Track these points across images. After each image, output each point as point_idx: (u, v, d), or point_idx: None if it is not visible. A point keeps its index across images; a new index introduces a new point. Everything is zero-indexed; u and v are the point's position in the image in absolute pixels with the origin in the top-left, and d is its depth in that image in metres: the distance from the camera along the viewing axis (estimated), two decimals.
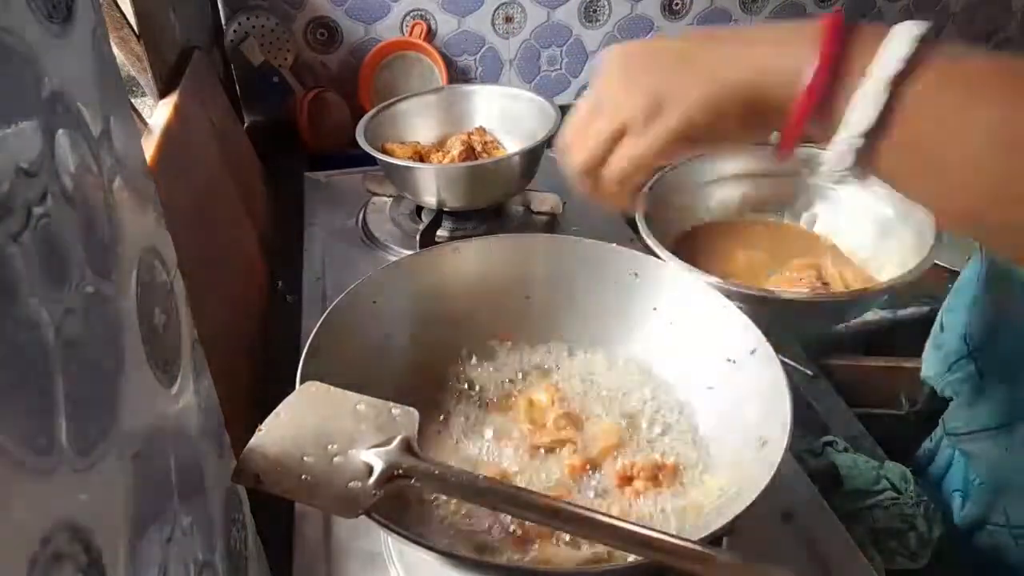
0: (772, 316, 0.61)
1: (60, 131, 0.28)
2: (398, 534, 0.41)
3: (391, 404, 0.47)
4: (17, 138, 0.24)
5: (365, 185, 1.01)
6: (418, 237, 0.89)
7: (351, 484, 0.41)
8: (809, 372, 0.90)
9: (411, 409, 0.46)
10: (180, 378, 0.38)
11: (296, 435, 0.43)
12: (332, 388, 0.48)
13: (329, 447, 0.43)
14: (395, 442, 0.43)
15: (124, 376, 0.30)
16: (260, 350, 0.83)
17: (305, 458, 0.42)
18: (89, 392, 0.27)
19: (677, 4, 1.34)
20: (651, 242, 0.70)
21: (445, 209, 0.92)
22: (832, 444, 0.75)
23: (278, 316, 0.90)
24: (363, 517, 0.40)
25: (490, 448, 0.56)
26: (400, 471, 0.42)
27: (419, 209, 0.99)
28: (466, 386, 0.62)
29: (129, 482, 0.29)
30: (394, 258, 0.89)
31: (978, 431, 0.66)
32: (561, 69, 1.36)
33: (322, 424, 0.45)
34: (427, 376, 0.63)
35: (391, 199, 1.02)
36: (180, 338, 0.39)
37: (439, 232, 0.92)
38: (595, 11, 1.31)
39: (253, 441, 0.43)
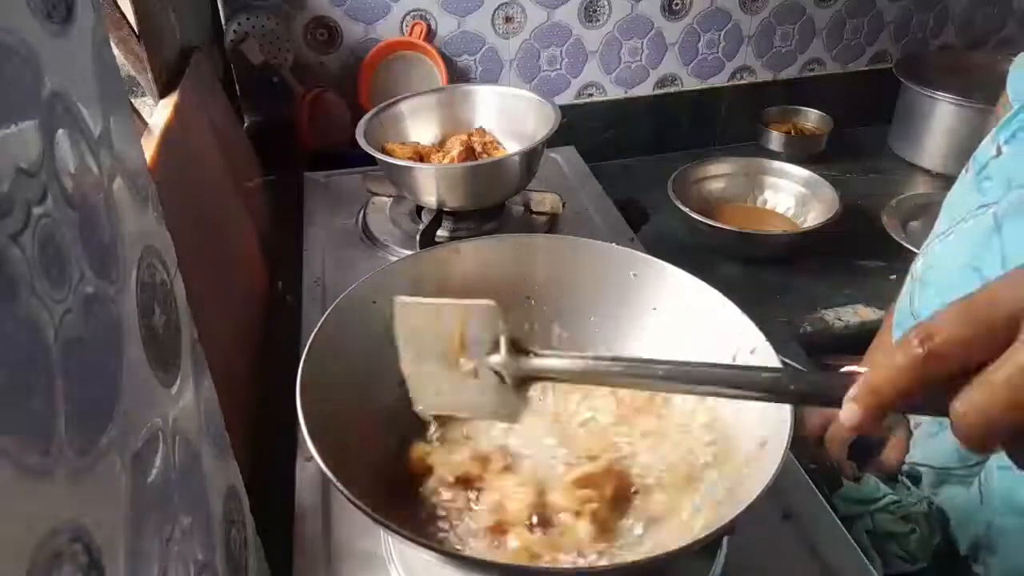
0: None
1: (60, 131, 0.28)
2: (398, 534, 0.41)
3: (469, 304, 0.47)
4: (17, 138, 0.24)
5: (365, 185, 1.00)
6: (418, 237, 0.89)
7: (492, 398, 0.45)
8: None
9: (488, 303, 0.46)
10: (180, 378, 0.38)
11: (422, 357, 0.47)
12: (416, 301, 0.49)
13: (449, 362, 0.46)
14: (503, 346, 0.45)
15: (124, 376, 0.30)
16: (260, 350, 0.83)
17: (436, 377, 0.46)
18: (89, 392, 0.27)
19: (677, 4, 1.34)
20: (685, 209, 1.13)
21: (445, 209, 0.92)
22: None
23: (278, 316, 0.90)
24: (363, 517, 0.40)
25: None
26: (529, 374, 0.45)
27: (419, 209, 0.99)
28: None
29: (129, 482, 0.29)
30: (394, 258, 0.89)
31: None
32: (561, 69, 1.35)
33: (431, 341, 0.47)
34: None
35: (391, 199, 1.01)
36: (180, 338, 0.39)
37: (439, 232, 0.92)
38: (595, 11, 1.31)
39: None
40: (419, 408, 0.49)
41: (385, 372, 0.60)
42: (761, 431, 0.50)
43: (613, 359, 0.45)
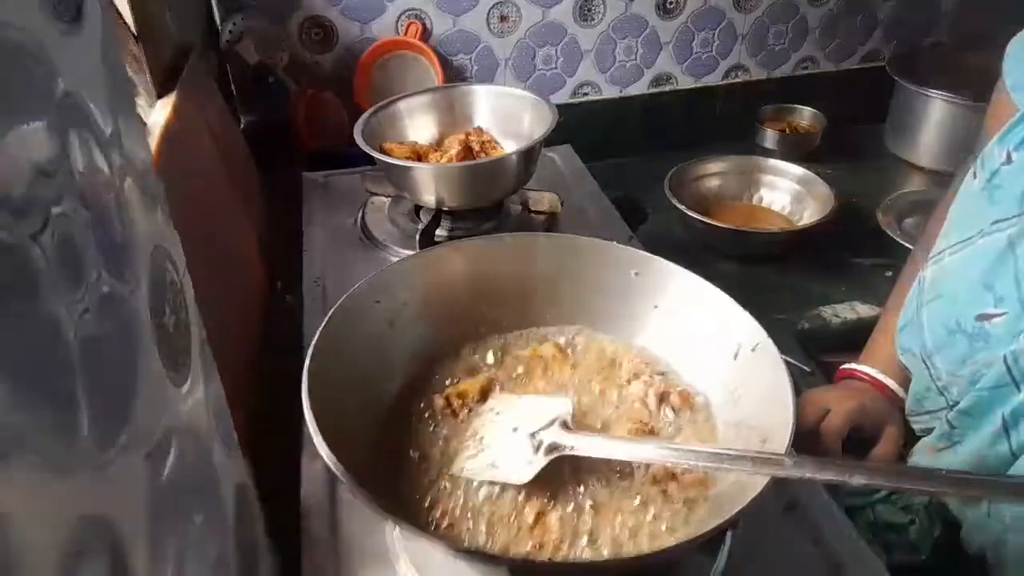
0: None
1: (72, 131, 0.28)
2: (410, 528, 0.42)
3: (546, 399, 0.57)
4: (34, 137, 0.25)
5: (364, 185, 1.00)
6: (418, 237, 0.89)
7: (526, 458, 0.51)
8: (807, 368, 0.91)
9: (564, 400, 0.56)
10: (190, 378, 0.38)
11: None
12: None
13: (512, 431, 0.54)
14: (555, 424, 0.53)
15: (138, 374, 0.30)
16: (260, 350, 0.83)
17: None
18: (108, 390, 0.27)
19: (671, 3, 1.34)
20: (683, 208, 1.15)
21: (444, 209, 0.92)
22: None
23: (278, 316, 0.90)
24: (371, 513, 0.41)
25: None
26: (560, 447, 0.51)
27: (418, 209, 0.99)
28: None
29: (144, 479, 0.29)
30: (394, 258, 0.90)
31: None
32: (556, 68, 1.36)
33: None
34: (429, 376, 0.63)
35: (390, 199, 1.01)
36: (190, 338, 0.39)
37: (438, 232, 0.92)
38: (589, 10, 1.31)
39: None
40: (461, 471, 0.54)
41: (386, 371, 0.61)
42: (763, 427, 0.50)
43: (657, 445, 0.49)
